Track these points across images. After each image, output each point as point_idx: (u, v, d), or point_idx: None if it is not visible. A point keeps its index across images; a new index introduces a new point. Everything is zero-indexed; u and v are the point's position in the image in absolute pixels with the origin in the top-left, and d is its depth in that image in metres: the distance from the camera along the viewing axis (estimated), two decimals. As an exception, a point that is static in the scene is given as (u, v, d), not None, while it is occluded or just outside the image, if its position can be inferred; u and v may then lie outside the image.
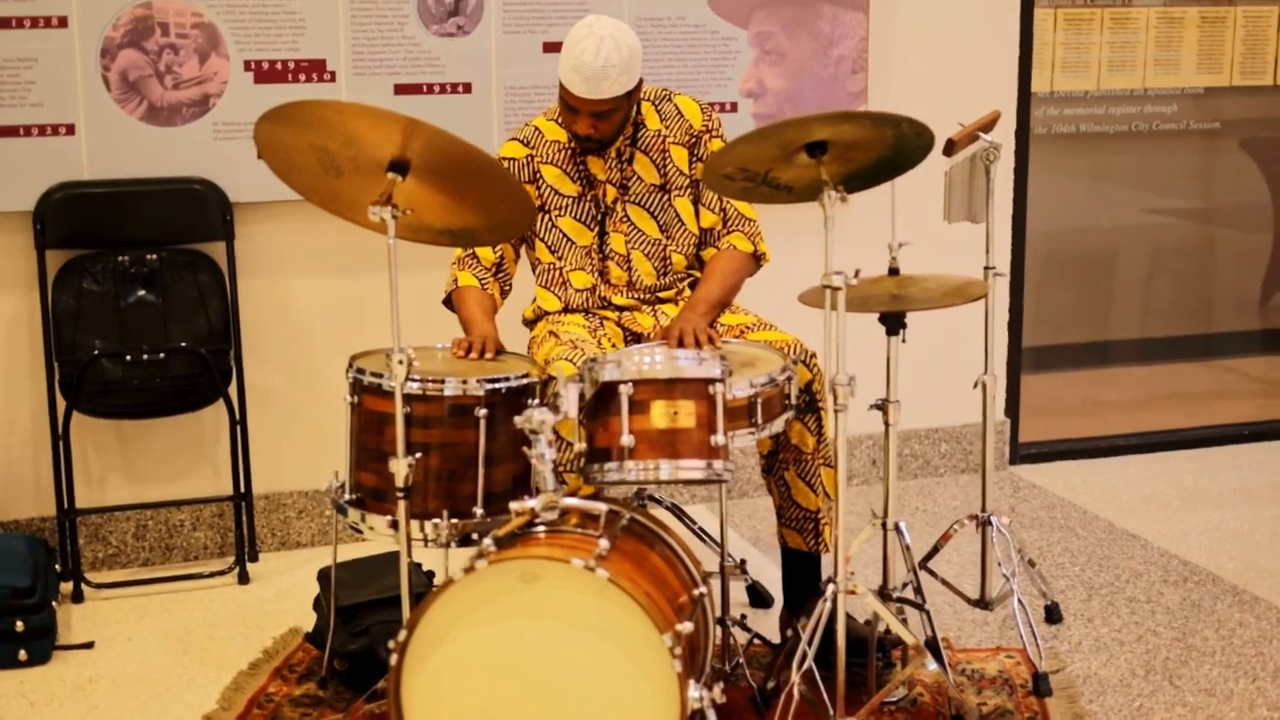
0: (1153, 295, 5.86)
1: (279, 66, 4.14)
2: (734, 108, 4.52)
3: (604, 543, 2.79)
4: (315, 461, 4.22)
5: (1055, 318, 5.61)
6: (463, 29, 4.29)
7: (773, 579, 3.83)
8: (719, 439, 2.98)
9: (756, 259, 3.67)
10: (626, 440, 2.96)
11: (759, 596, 3.91)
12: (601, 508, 2.93)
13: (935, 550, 3.76)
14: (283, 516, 4.42)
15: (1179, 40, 5.37)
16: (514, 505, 2.88)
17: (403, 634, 2.78)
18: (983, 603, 3.73)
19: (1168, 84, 5.42)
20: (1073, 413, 5.58)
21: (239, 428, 4.20)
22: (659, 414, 2.97)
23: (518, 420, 2.90)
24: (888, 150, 3.03)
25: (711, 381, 2.99)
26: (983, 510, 3.67)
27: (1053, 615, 3.80)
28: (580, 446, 3.03)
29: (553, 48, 4.35)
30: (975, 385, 3.61)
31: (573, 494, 3.04)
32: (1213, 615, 3.88)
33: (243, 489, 4.24)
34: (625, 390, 2.96)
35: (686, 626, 2.75)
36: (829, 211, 2.96)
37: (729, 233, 3.65)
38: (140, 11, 4.05)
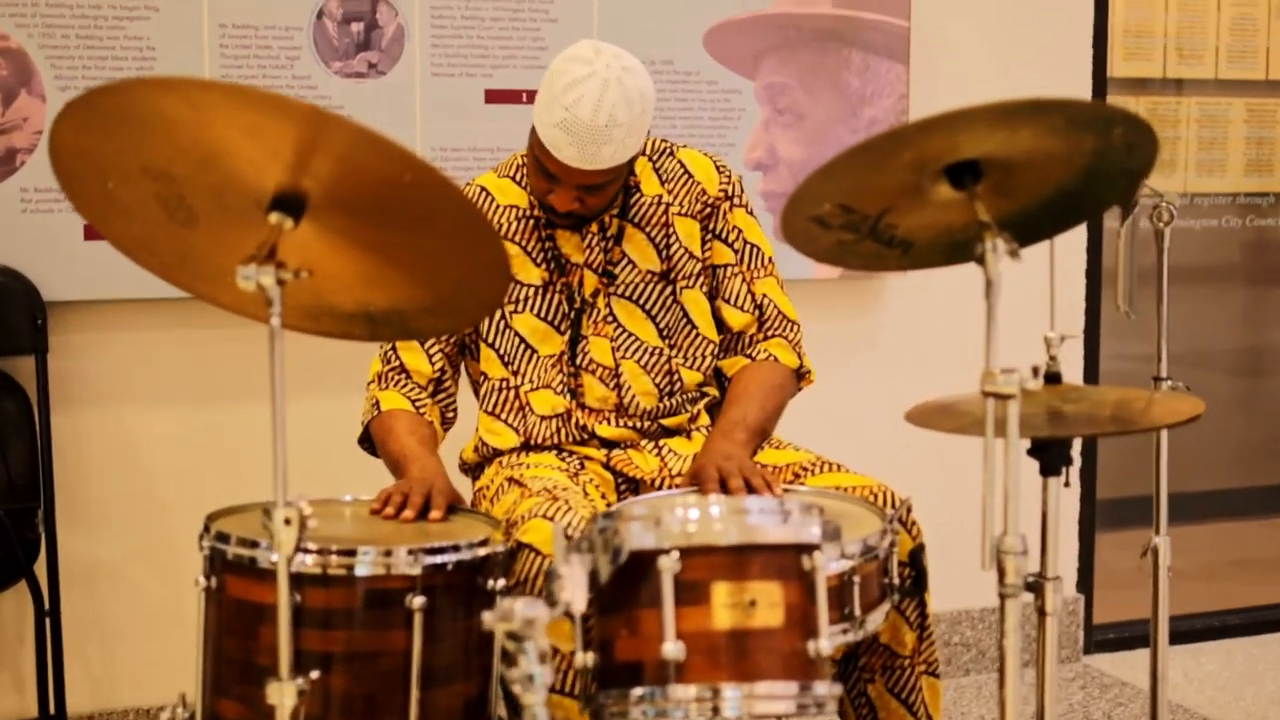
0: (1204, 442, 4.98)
1: (118, 112, 3.04)
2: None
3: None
4: (159, 667, 3.37)
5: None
6: (376, 68, 3.21)
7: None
8: (822, 645, 1.84)
9: (799, 377, 2.71)
10: (671, 650, 1.82)
11: None
12: (632, 768, 1.75)
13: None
14: (113, 746, 3.37)
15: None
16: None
17: None
18: None
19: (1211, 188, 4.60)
20: (1131, 584, 4.57)
21: (48, 621, 3.22)
22: (724, 605, 1.83)
23: (487, 618, 1.75)
24: (1076, 175, 1.93)
25: (805, 550, 1.85)
26: (1152, 735, 2.56)
27: None
28: (585, 659, 1.90)
29: (498, 96, 3.32)
30: (1144, 554, 2.53)
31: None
32: None
33: (53, 708, 3.22)
34: (667, 565, 1.83)
35: None
36: (993, 273, 1.83)
37: (767, 338, 2.70)
38: (-83, 29, 2.95)
